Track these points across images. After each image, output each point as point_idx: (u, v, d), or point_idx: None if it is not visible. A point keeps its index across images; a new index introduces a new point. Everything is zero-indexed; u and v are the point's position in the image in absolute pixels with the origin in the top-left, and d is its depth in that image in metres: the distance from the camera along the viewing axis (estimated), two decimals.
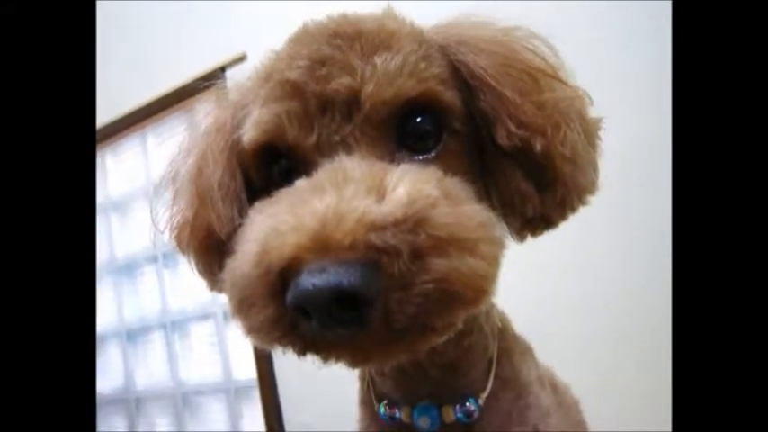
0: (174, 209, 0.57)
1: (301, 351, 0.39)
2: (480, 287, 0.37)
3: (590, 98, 0.52)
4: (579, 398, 0.79)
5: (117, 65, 2.43)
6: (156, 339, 2.58)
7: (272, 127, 0.47)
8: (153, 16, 2.44)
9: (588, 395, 0.80)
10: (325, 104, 0.45)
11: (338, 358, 0.39)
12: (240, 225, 0.45)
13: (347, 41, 0.46)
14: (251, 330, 0.39)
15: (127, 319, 2.66)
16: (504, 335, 0.61)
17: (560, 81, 0.49)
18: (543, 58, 0.50)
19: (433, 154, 0.47)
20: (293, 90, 0.46)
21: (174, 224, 0.57)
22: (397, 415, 0.56)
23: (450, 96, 0.47)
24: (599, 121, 0.53)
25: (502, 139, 0.47)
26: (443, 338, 0.40)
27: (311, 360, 0.40)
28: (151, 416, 2.62)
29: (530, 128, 0.46)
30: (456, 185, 0.41)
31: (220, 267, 0.44)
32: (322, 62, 0.46)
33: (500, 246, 0.41)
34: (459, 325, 0.39)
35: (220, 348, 2.36)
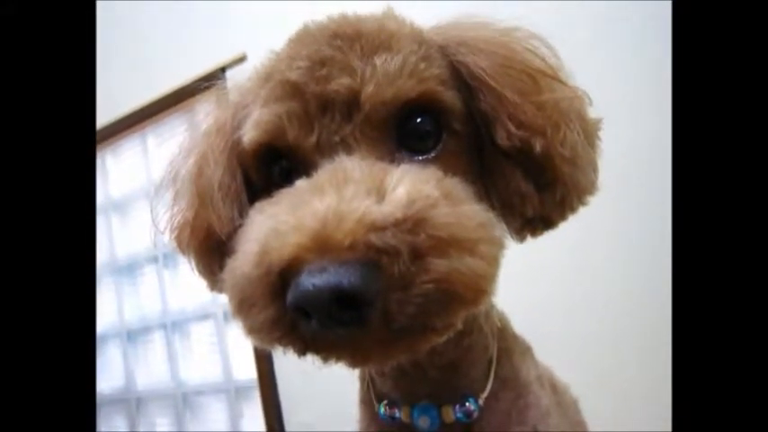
0: (175, 209, 0.57)
1: (301, 351, 0.39)
2: (480, 287, 0.37)
3: (589, 98, 0.52)
4: (578, 397, 0.79)
5: (117, 65, 2.43)
6: (157, 339, 2.58)
7: (272, 127, 0.47)
8: (153, 17, 2.44)
9: (587, 395, 0.80)
10: (326, 105, 0.45)
11: (338, 358, 0.39)
12: (240, 225, 0.45)
13: (347, 42, 0.46)
14: (251, 330, 0.40)
15: (127, 320, 2.66)
16: (504, 335, 0.61)
17: (560, 81, 0.49)
18: (543, 59, 0.50)
19: (432, 154, 0.47)
20: (293, 90, 0.46)
21: (175, 224, 0.57)
22: (397, 415, 0.56)
23: (449, 97, 0.47)
24: (599, 121, 0.53)
25: (502, 139, 0.47)
26: (443, 338, 0.40)
27: (311, 360, 0.40)
28: (151, 416, 2.62)
29: (529, 128, 0.46)
30: (456, 186, 0.42)
31: (221, 267, 0.44)
32: (322, 63, 0.46)
33: (500, 246, 0.41)
34: (459, 325, 0.40)
35: (221, 348, 2.36)
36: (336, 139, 0.45)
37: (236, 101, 0.55)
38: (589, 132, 0.51)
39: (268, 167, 0.50)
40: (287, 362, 1.46)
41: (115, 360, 2.70)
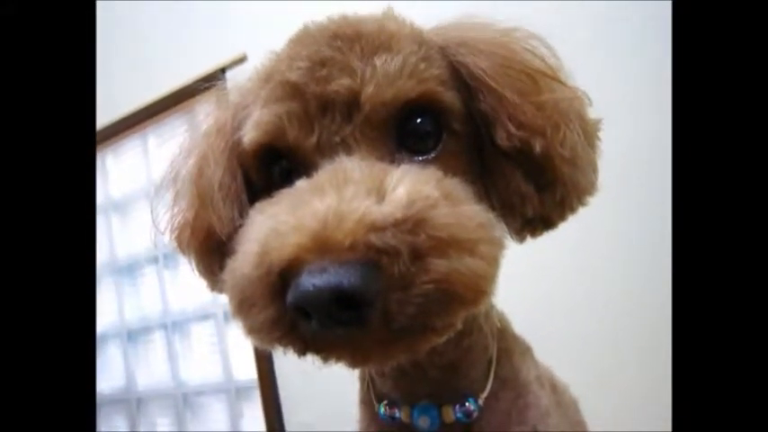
0: (175, 209, 0.57)
1: (301, 351, 0.39)
2: (480, 287, 0.37)
3: (589, 99, 0.52)
4: (578, 397, 0.79)
5: (117, 66, 2.44)
6: (157, 339, 2.59)
7: (272, 128, 0.47)
8: (153, 17, 2.44)
9: (587, 395, 0.80)
10: (326, 105, 0.45)
11: (338, 358, 0.39)
12: (241, 225, 0.46)
13: (347, 43, 0.46)
14: (251, 330, 0.40)
15: (128, 320, 2.66)
16: (504, 335, 0.61)
17: (559, 82, 0.49)
18: (542, 59, 0.50)
19: (432, 155, 0.47)
20: (293, 91, 0.46)
21: (175, 225, 0.57)
22: (397, 415, 0.56)
23: (449, 97, 0.47)
24: (598, 121, 0.53)
25: (501, 139, 0.47)
26: (443, 339, 0.40)
27: (311, 360, 0.40)
28: (152, 416, 2.62)
29: (529, 129, 0.46)
30: (456, 186, 0.42)
31: (221, 268, 0.45)
32: (322, 63, 0.46)
33: (499, 246, 0.41)
34: (459, 325, 0.40)
35: (221, 348, 2.36)
36: (336, 139, 0.45)
37: (236, 101, 0.55)
38: (589, 133, 0.51)
39: (268, 168, 0.50)
40: (287, 362, 1.46)
41: (116, 360, 2.70)
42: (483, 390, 0.56)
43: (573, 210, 0.51)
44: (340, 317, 0.34)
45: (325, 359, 0.39)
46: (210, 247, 0.53)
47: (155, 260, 2.54)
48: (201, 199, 0.53)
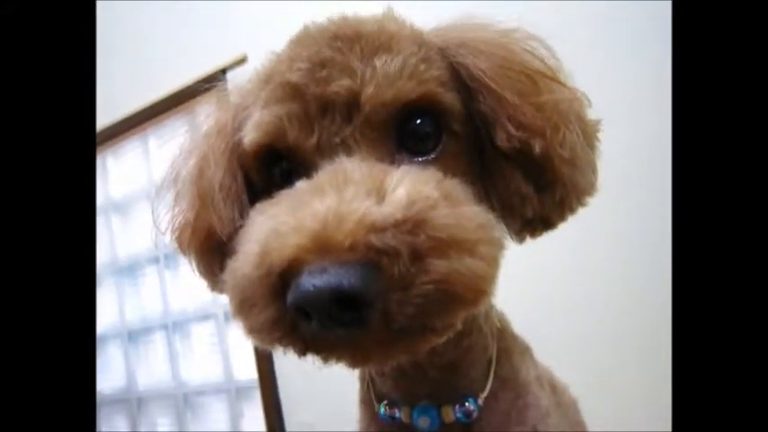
0: (176, 210, 0.57)
1: (302, 351, 0.39)
2: (480, 288, 0.37)
3: (588, 100, 0.52)
4: (578, 397, 0.79)
5: (118, 67, 2.44)
6: (158, 340, 2.59)
7: (272, 129, 0.47)
8: (153, 17, 2.44)
9: (587, 395, 0.80)
10: (326, 106, 0.45)
11: (338, 359, 0.39)
12: (241, 226, 0.46)
13: (347, 43, 0.46)
14: (252, 331, 0.40)
15: (128, 320, 2.66)
16: (504, 335, 0.61)
17: (559, 83, 0.49)
18: (542, 60, 0.50)
19: (432, 155, 0.47)
20: (294, 92, 0.46)
21: (176, 225, 0.57)
22: (397, 415, 0.56)
23: (449, 98, 0.47)
24: (598, 122, 0.53)
25: (501, 140, 0.47)
26: (443, 339, 0.40)
27: (311, 360, 0.40)
28: (152, 416, 2.63)
29: (529, 129, 0.46)
30: (455, 187, 0.42)
31: (221, 268, 0.45)
32: (322, 64, 0.46)
33: (499, 247, 0.41)
34: (459, 325, 0.40)
35: (221, 349, 2.37)
36: (336, 140, 0.45)
37: (236, 102, 0.55)
38: (588, 133, 0.51)
39: (268, 169, 0.50)
40: (287, 362, 1.46)
41: (116, 360, 2.70)
42: (483, 390, 0.56)
43: (572, 210, 0.51)
44: (340, 317, 0.34)
45: (326, 359, 0.39)
46: (211, 248, 0.53)
47: (155, 260, 2.54)
48: (202, 199, 0.54)
